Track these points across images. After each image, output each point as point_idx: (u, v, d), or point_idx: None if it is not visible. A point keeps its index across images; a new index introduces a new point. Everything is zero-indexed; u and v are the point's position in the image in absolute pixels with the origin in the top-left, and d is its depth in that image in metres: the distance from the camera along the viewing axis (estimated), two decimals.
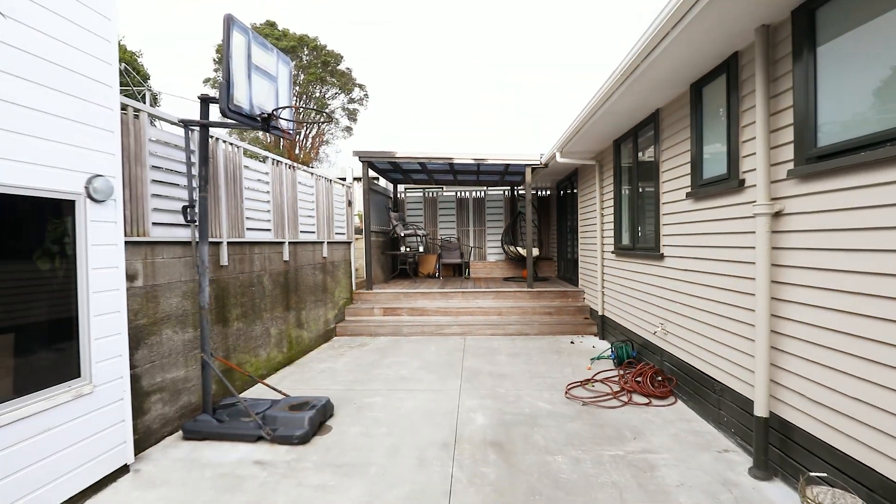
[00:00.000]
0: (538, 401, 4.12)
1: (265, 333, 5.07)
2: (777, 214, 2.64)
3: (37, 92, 2.32)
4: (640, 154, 4.97)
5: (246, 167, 4.74)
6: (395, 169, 9.15)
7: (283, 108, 3.44)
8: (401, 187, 11.64)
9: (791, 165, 2.52)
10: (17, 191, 2.24)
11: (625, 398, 4.08)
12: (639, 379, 4.30)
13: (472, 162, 7.82)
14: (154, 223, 3.44)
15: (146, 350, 3.33)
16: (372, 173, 8.79)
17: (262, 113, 3.36)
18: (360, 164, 8.01)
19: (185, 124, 3.52)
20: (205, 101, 3.48)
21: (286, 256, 5.57)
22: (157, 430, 3.39)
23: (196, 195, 3.55)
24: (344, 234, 7.64)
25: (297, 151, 24.32)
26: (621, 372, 4.70)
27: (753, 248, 2.80)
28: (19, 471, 2.24)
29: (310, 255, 6.32)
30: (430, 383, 4.67)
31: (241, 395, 4.20)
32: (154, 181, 3.46)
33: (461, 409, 3.96)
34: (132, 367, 3.14)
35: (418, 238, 9.70)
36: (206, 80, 25.39)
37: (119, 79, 2.74)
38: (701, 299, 3.59)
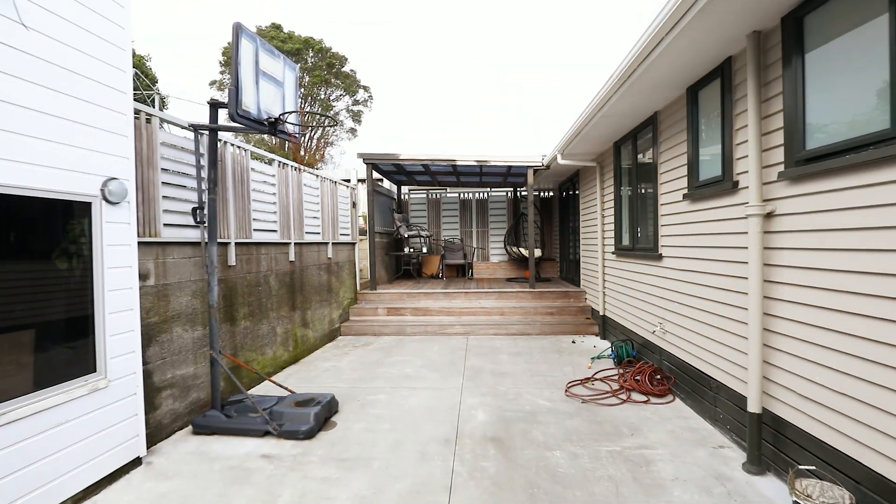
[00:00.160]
0: (538, 398, 4.19)
1: (271, 332, 5.18)
2: (769, 215, 2.72)
3: (56, 99, 2.44)
4: (639, 156, 5.04)
5: (253, 170, 4.86)
6: (399, 171, 9.25)
7: (290, 112, 3.54)
8: (404, 189, 11.74)
9: (782, 168, 2.59)
10: (39, 193, 2.35)
11: (623, 396, 4.15)
12: (638, 377, 4.37)
13: (475, 164, 7.92)
14: (165, 224, 3.56)
15: (157, 347, 3.44)
16: (376, 175, 8.90)
17: (270, 117, 3.46)
18: (364, 165, 8.12)
19: (195, 128, 3.64)
20: (214, 105, 3.60)
21: (292, 257, 5.68)
22: (168, 425, 3.50)
23: (205, 197, 3.67)
24: (348, 235, 7.75)
25: (301, 153, 24.51)
26: (621, 371, 4.77)
27: (747, 248, 2.87)
28: (39, 461, 2.35)
29: (315, 256, 6.43)
30: (432, 381, 4.76)
31: (249, 392, 4.30)
32: (165, 183, 3.58)
33: (463, 406, 4.05)
34: (144, 363, 3.25)
35: (422, 239, 9.81)
36: (213, 83, 25.64)
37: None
38: (698, 299, 3.66)
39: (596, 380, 4.63)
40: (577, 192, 8.17)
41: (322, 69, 25.83)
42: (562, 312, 7.37)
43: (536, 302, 7.62)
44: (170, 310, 3.58)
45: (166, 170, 3.61)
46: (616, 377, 4.63)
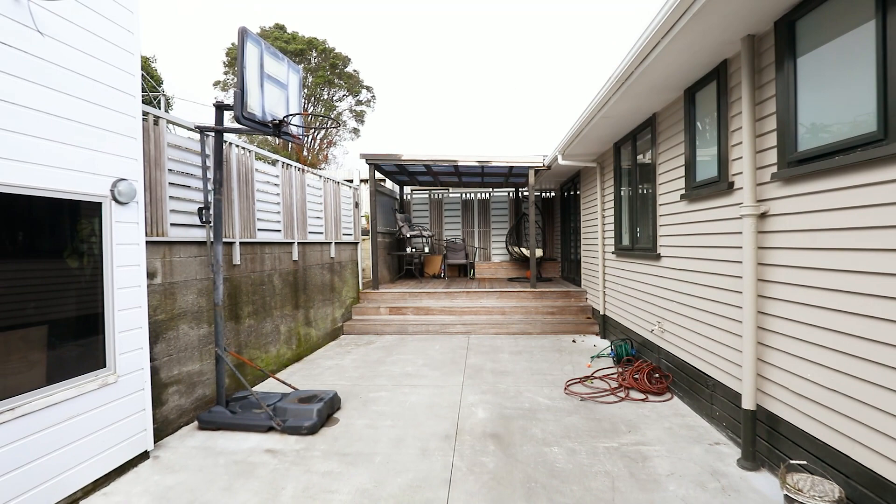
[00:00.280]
0: (538, 396, 4.25)
1: (275, 330, 5.26)
2: (763, 215, 2.77)
3: (70, 103, 2.52)
4: (638, 156, 5.09)
5: (257, 170, 4.94)
6: (401, 171, 9.33)
7: (294, 114, 3.62)
8: (407, 189, 11.81)
9: (775, 169, 2.64)
10: (52, 193, 2.43)
11: (622, 394, 4.20)
12: (636, 376, 4.42)
13: (476, 164, 7.98)
14: (172, 224, 3.63)
15: (164, 344, 3.52)
16: (378, 175, 8.98)
17: (274, 119, 3.54)
18: (367, 166, 8.19)
19: (201, 130, 3.72)
20: (219, 107, 3.67)
21: (295, 256, 5.76)
22: (174, 420, 3.58)
23: (211, 197, 3.74)
24: (351, 234, 7.83)
25: (304, 153, 24.63)
26: (620, 369, 4.82)
27: (741, 247, 2.92)
28: (51, 452, 2.42)
29: (318, 256, 6.51)
30: (433, 379, 4.82)
31: (253, 389, 4.37)
32: (171, 184, 3.66)
33: (463, 403, 4.11)
34: (151, 359, 3.33)
35: (424, 239, 9.87)
36: (216, 83, 25.82)
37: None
38: (695, 298, 3.71)
39: (595, 378, 4.68)
40: (578, 192, 8.22)
41: (325, 69, 25.95)
42: (563, 312, 7.42)
43: (537, 301, 7.67)
44: (176, 308, 3.66)
45: (173, 170, 3.69)
46: (615, 376, 4.68)
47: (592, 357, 5.52)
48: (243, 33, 3.16)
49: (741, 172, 2.92)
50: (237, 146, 4.54)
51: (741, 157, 2.93)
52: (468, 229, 11.65)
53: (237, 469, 2.98)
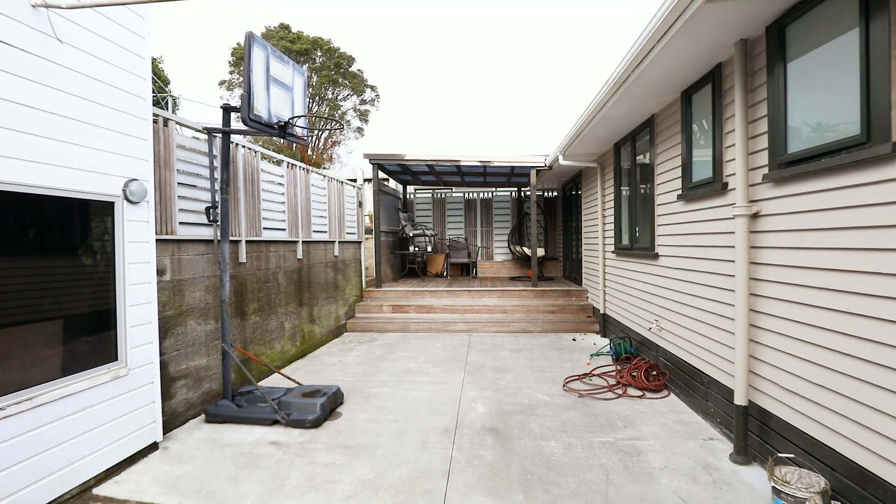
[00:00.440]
0: (537, 392, 4.33)
1: (280, 327, 5.37)
2: (755, 216, 2.84)
3: (85, 106, 2.62)
4: (637, 157, 5.15)
5: (263, 171, 5.04)
6: (404, 170, 9.42)
7: (299, 116, 3.71)
8: (410, 188, 11.91)
9: (766, 170, 2.71)
10: (69, 193, 2.54)
11: (620, 391, 4.28)
12: (634, 373, 4.49)
13: (479, 164, 8.06)
14: (180, 222, 3.74)
15: (172, 339, 3.63)
16: (382, 175, 9.08)
17: (279, 121, 3.63)
18: (371, 166, 8.29)
19: (209, 131, 3.82)
20: (226, 109, 3.78)
21: (300, 255, 5.86)
22: (182, 413, 3.69)
23: (218, 197, 3.85)
24: (354, 233, 7.93)
25: (309, 152, 24.78)
26: (618, 367, 4.89)
27: (734, 247, 2.99)
28: (66, 441, 2.53)
29: (322, 254, 6.61)
30: (434, 376, 4.91)
31: (258, 384, 4.48)
32: (180, 184, 3.76)
33: (463, 399, 4.19)
34: (160, 354, 3.43)
35: (427, 238, 9.96)
36: (222, 83, 26.02)
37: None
38: (691, 296, 3.78)
39: (594, 375, 4.75)
40: (579, 192, 8.28)
41: (330, 69, 26.10)
42: (563, 311, 7.49)
43: (539, 300, 7.74)
44: (184, 304, 3.76)
45: (181, 171, 3.80)
46: (613, 373, 4.75)
47: (592, 355, 5.60)
48: (250, 38, 3.25)
49: (734, 174, 2.99)
50: (243, 147, 4.64)
51: (734, 159, 3.00)
52: (471, 228, 11.73)
53: (243, 460, 3.08)
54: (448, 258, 10.67)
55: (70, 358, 2.62)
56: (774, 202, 2.67)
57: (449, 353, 5.91)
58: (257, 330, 4.92)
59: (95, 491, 2.70)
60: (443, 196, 11.83)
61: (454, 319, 7.34)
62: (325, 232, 6.73)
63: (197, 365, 3.89)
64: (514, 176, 9.59)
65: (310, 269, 6.22)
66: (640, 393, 4.24)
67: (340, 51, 26.45)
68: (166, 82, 19.45)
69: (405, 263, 10.93)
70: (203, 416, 3.80)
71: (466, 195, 11.79)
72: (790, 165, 2.50)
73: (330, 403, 3.82)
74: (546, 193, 11.37)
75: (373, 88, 27.69)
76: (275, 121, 3.58)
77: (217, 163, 3.94)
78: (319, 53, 26.13)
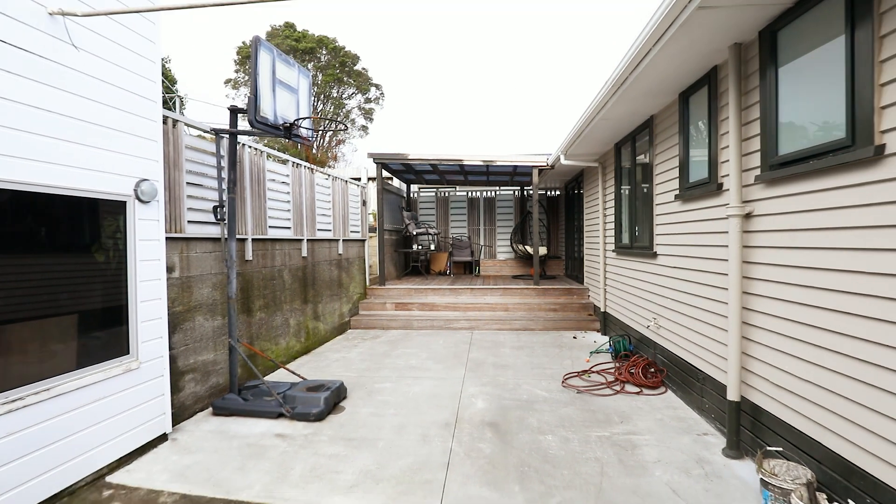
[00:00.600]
0: (536, 388, 4.41)
1: (285, 324, 5.48)
2: (747, 216, 2.90)
3: (99, 109, 2.73)
4: (637, 157, 5.21)
5: (269, 170, 5.15)
6: (408, 170, 9.50)
7: (304, 118, 3.80)
8: (414, 187, 12.00)
9: (759, 171, 2.77)
10: (84, 193, 2.65)
11: (618, 387, 4.35)
12: (632, 370, 4.56)
13: (482, 163, 8.13)
14: (189, 221, 3.85)
15: (181, 334, 3.74)
16: (386, 174, 9.16)
17: (285, 122, 3.73)
18: (375, 165, 8.39)
19: (217, 133, 3.92)
20: (234, 111, 3.88)
21: (304, 253, 5.97)
22: (190, 406, 3.80)
23: (225, 196, 3.95)
24: (358, 232, 8.03)
25: (314, 151, 24.92)
26: (617, 364, 4.96)
27: (728, 246, 3.05)
28: (80, 431, 2.65)
29: (326, 252, 6.72)
30: (436, 372, 5.00)
31: (264, 378, 4.59)
32: (189, 184, 3.87)
33: (464, 394, 4.28)
34: (170, 348, 3.55)
35: (430, 236, 10.05)
36: (227, 81, 26.18)
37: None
38: (688, 295, 3.85)
39: (593, 372, 4.83)
40: (581, 191, 8.34)
41: (335, 67, 26.19)
42: (565, 309, 7.56)
43: (540, 298, 7.82)
44: (192, 300, 3.87)
45: (189, 171, 3.90)
46: (612, 370, 4.82)
47: (591, 352, 5.67)
48: (256, 42, 3.35)
49: (728, 174, 3.05)
50: (250, 147, 4.75)
51: (729, 160, 3.06)
52: (474, 227, 11.81)
53: (249, 451, 3.19)
54: (451, 256, 10.76)
55: (84, 351, 2.73)
56: (766, 203, 2.74)
57: (451, 349, 6.00)
58: (263, 326, 5.03)
59: (108, 479, 2.82)
60: (446, 195, 11.91)
61: (456, 317, 7.43)
62: (330, 230, 6.83)
63: (205, 359, 4.00)
64: (516, 175, 9.65)
65: (314, 266, 6.33)
66: (637, 389, 4.31)
67: (345, 49, 26.52)
68: (173, 82, 19.63)
69: (409, 261, 11.03)
70: (210, 409, 3.91)
71: (470, 194, 11.87)
72: (781, 167, 2.57)
73: (333, 398, 3.92)
74: (549, 192, 11.43)
75: (377, 87, 27.77)
76: (280, 122, 3.68)
77: (224, 163, 4.04)
78: (324, 52, 26.23)
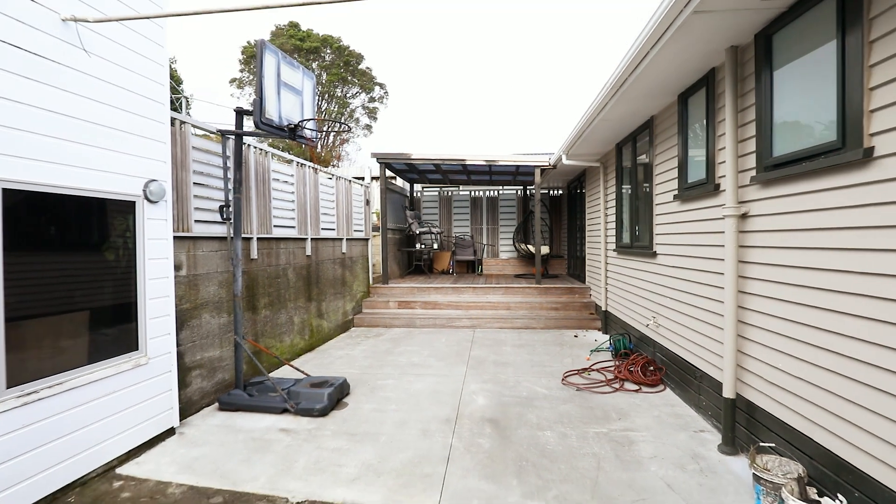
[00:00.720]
0: (536, 386, 4.47)
1: (289, 321, 5.57)
2: (743, 216, 2.95)
3: (110, 112, 2.81)
4: (638, 157, 5.25)
5: (273, 170, 5.23)
6: (412, 169, 9.57)
7: (308, 119, 3.88)
8: (417, 186, 12.07)
9: (754, 172, 2.82)
10: (95, 194, 2.73)
11: (617, 385, 4.40)
12: (631, 368, 4.61)
13: (484, 163, 8.18)
14: (196, 220, 3.93)
15: (188, 331, 3.83)
16: (389, 173, 9.24)
17: (290, 124, 3.80)
18: (378, 164, 8.46)
19: (223, 134, 4.00)
20: (239, 113, 3.96)
21: (308, 252, 6.05)
22: (197, 402, 3.89)
23: (231, 196, 4.03)
24: (362, 231, 8.11)
25: (318, 150, 25.03)
26: (617, 362, 5.01)
27: (724, 246, 3.10)
28: (91, 424, 2.73)
29: (330, 251, 6.80)
30: (438, 369, 5.07)
31: (269, 375, 4.67)
32: (195, 184, 3.95)
33: (464, 391, 4.35)
34: (177, 345, 3.63)
35: (433, 235, 10.12)
36: (232, 80, 26.33)
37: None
38: (686, 294, 3.89)
39: (593, 370, 4.88)
40: (583, 190, 8.38)
41: (339, 67, 26.28)
42: (566, 308, 7.61)
43: (542, 297, 7.87)
44: (199, 298, 3.96)
45: (196, 171, 3.99)
46: (612, 368, 4.87)
47: (592, 351, 5.72)
48: (262, 45, 3.42)
49: (725, 175, 3.09)
50: (255, 148, 4.83)
51: (725, 161, 3.10)
52: (477, 226, 11.86)
53: (255, 445, 3.27)
54: (454, 255, 10.83)
55: (95, 347, 2.82)
56: (761, 203, 2.78)
57: (453, 347, 6.07)
58: (268, 323, 5.12)
59: (118, 470, 2.90)
60: (449, 194, 11.97)
61: (459, 315, 7.49)
62: (334, 229, 6.91)
63: (211, 356, 4.09)
64: (519, 175, 9.70)
65: (318, 265, 6.41)
66: (636, 387, 4.36)
67: (350, 48, 26.61)
68: (179, 82, 19.79)
69: (412, 260, 11.10)
70: (217, 404, 4.00)
71: (473, 193, 11.92)
72: (776, 168, 2.61)
73: (337, 394, 4.00)
74: (551, 192, 11.46)
75: (381, 86, 27.83)
76: (285, 124, 3.75)
77: (230, 163, 4.12)
78: (329, 51, 26.32)
